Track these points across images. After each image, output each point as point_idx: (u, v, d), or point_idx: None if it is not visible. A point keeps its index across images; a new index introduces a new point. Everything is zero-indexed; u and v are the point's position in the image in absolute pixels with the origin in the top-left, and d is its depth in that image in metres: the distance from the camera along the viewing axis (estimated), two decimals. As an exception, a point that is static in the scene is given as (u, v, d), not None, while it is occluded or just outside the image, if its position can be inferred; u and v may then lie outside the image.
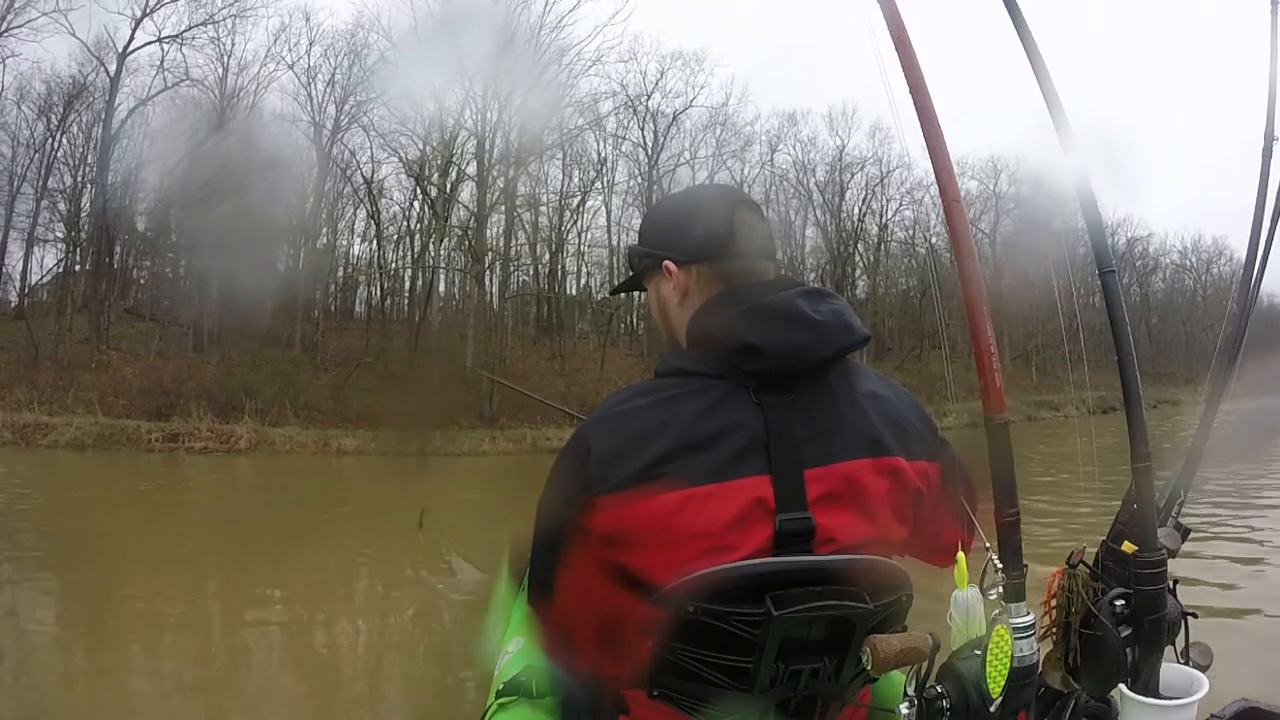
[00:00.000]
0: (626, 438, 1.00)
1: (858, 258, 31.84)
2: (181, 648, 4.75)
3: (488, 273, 24.80)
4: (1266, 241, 1.74)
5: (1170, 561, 1.31)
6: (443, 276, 25.58)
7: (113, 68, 23.09)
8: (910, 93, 1.25)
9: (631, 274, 1.26)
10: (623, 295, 27.81)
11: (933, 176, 1.27)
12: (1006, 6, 1.42)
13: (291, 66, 24.73)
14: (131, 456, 17.10)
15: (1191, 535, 1.59)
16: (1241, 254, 1.82)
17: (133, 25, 22.89)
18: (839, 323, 1.06)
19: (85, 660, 4.47)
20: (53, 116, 23.31)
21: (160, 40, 23.36)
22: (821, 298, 1.08)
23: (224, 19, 23.85)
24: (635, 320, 28.85)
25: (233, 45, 24.25)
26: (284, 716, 3.77)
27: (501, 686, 1.22)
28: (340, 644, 4.97)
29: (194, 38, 23.67)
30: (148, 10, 22.92)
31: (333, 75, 24.77)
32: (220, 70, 24.22)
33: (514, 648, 1.29)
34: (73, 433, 17.78)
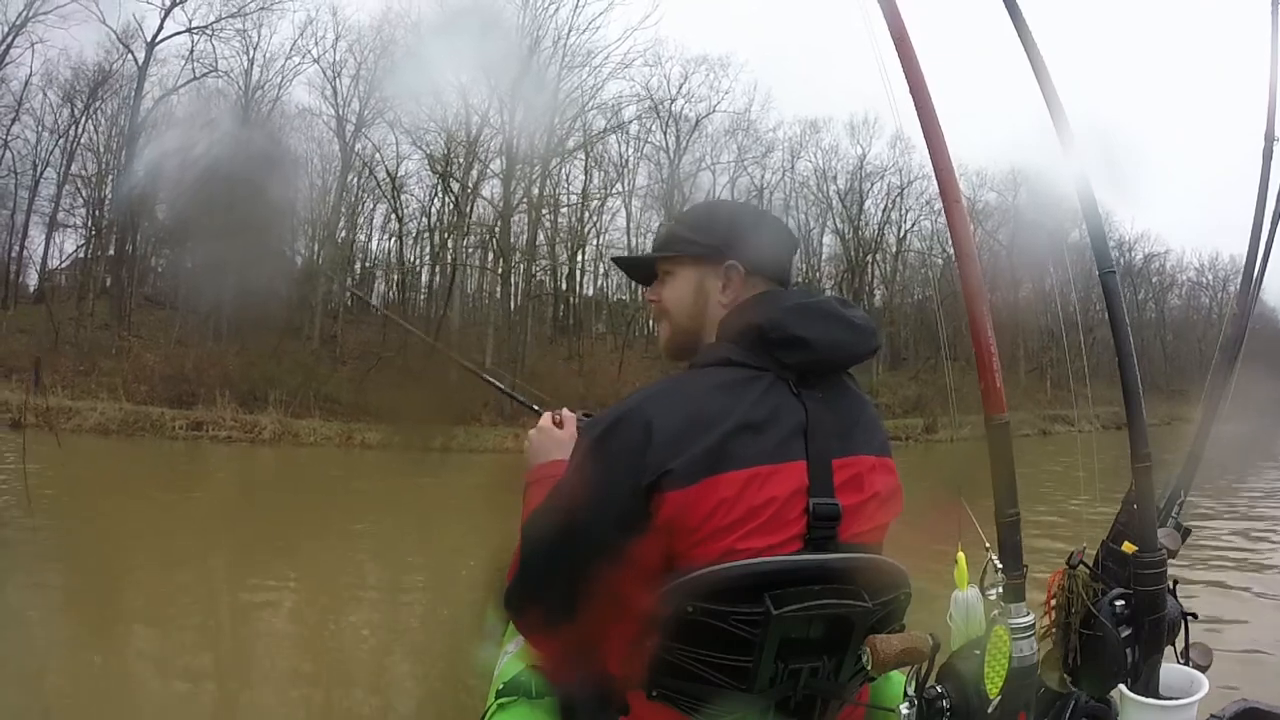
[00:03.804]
0: (694, 416, 1.01)
1: (875, 267, 31.69)
2: (188, 638, 4.77)
3: (510, 271, 24.81)
4: (1267, 242, 1.74)
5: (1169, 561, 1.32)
6: (462, 274, 25.49)
7: (141, 56, 23.12)
8: (910, 93, 1.25)
9: (662, 255, 1.24)
10: (638, 300, 27.84)
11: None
12: (1006, 7, 1.43)
13: (317, 60, 24.69)
14: (156, 443, 17.07)
15: (1191, 535, 1.59)
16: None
17: (161, 14, 22.95)
18: (870, 328, 1.14)
19: (91, 650, 4.48)
20: (77, 102, 23.33)
21: (190, 30, 23.36)
22: (848, 305, 1.15)
23: (253, 11, 23.83)
24: (651, 324, 28.76)
25: (258, 38, 24.24)
26: (289, 707, 3.79)
27: (501, 686, 1.21)
28: (346, 640, 4.99)
29: (222, 29, 23.68)
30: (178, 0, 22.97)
31: (358, 70, 24.68)
32: (246, 62, 24.23)
33: (514, 648, 1.28)
34: (97, 417, 17.65)
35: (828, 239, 30.77)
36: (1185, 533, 1.57)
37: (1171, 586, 1.31)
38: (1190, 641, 1.36)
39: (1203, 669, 1.32)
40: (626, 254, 27.80)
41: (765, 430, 1.02)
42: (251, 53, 24.19)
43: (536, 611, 1.09)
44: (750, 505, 0.99)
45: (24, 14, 21.61)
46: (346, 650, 4.71)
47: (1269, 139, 1.76)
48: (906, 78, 1.25)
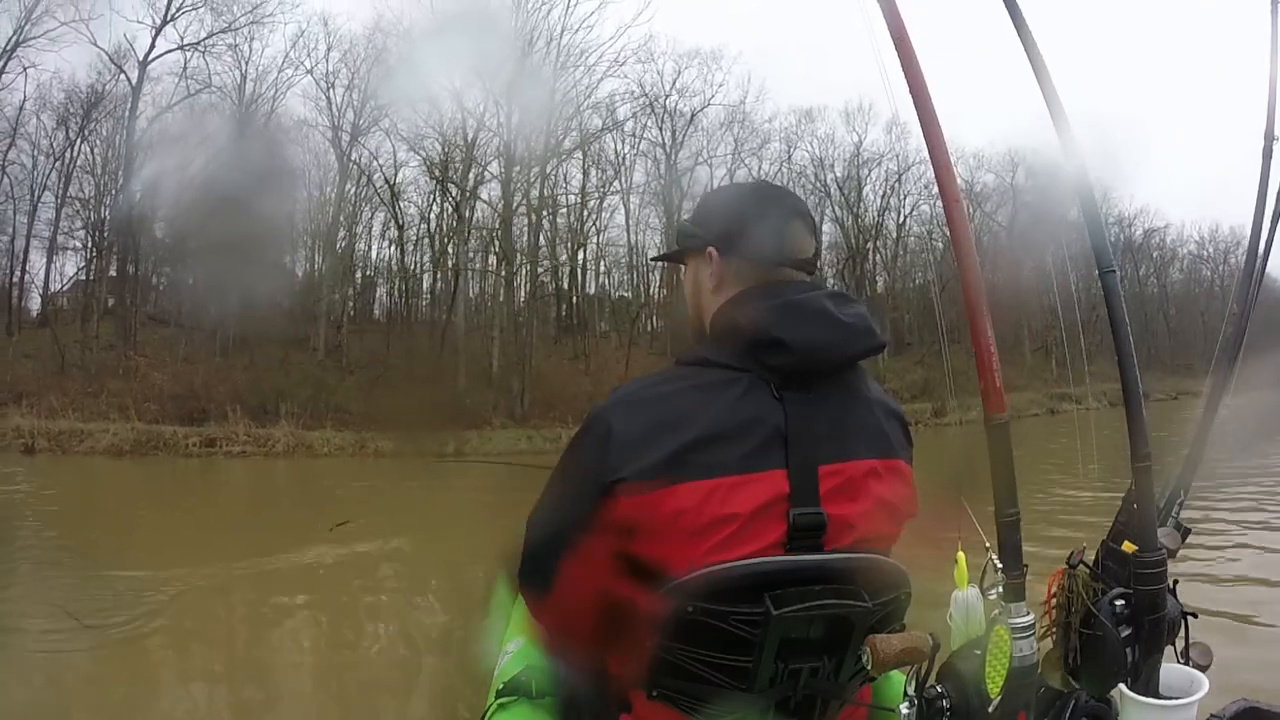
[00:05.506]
0: (654, 422, 1.00)
1: (875, 254, 31.66)
2: (203, 643, 4.79)
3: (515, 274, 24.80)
4: (1267, 242, 1.74)
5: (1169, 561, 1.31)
6: (465, 277, 25.48)
7: (134, 76, 23.16)
8: (910, 93, 1.25)
9: (674, 252, 1.28)
10: (642, 298, 27.99)
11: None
12: (1006, 6, 1.42)
13: (310, 71, 24.75)
14: (170, 462, 17.19)
15: (1191, 534, 1.58)
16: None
17: (153, 33, 22.98)
18: (863, 326, 1.08)
19: (106, 656, 4.50)
20: (72, 125, 23.37)
21: (182, 47, 23.42)
22: (847, 301, 1.10)
23: (243, 25, 23.88)
24: (655, 320, 28.82)
25: (250, 52, 24.29)
26: (299, 706, 3.81)
27: (501, 686, 1.21)
28: (360, 641, 5.00)
29: (214, 44, 23.74)
30: (168, 18, 23.02)
31: (352, 79, 24.71)
32: (239, 77, 24.29)
33: (514, 648, 1.29)
34: (109, 439, 17.74)
35: (828, 227, 30.63)
36: (1185, 532, 1.57)
37: (1171, 586, 1.31)
38: (1190, 641, 1.35)
39: (1203, 669, 1.32)
40: (626, 249, 27.81)
41: (736, 438, 1.00)
42: (244, 67, 24.33)
43: (531, 591, 1.13)
44: (714, 517, 0.97)
45: (14, 38, 21.71)
46: (361, 651, 4.73)
47: (1269, 138, 1.76)
48: (906, 78, 1.24)
